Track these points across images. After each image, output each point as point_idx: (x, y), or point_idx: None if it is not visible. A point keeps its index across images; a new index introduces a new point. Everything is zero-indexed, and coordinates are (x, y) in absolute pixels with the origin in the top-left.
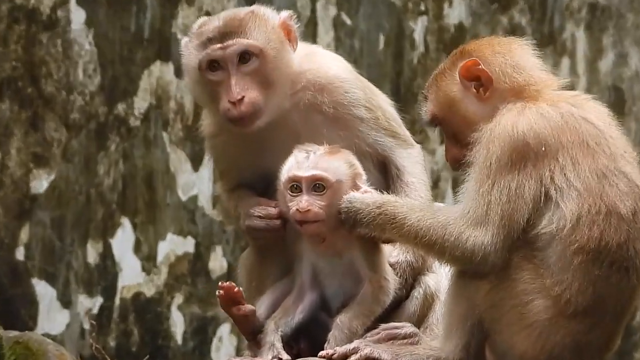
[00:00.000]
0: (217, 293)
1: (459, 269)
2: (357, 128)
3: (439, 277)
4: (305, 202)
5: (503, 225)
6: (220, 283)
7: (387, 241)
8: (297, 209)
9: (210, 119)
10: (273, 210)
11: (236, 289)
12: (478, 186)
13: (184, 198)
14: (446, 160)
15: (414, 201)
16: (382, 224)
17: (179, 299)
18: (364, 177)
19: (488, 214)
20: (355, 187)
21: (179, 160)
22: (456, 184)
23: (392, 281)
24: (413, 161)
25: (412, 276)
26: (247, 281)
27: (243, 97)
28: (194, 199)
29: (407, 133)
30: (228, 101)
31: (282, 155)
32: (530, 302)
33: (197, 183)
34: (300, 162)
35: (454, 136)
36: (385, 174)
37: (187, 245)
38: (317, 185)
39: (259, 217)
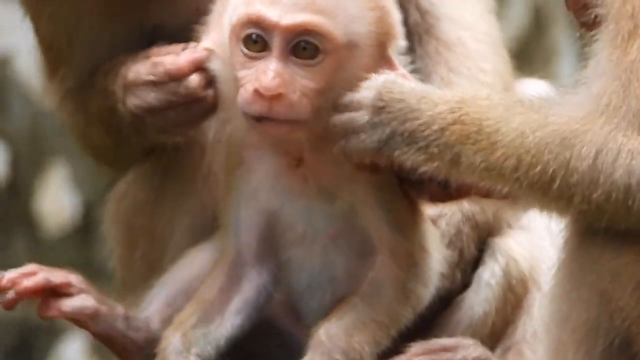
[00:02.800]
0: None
1: (592, 225)
2: None
3: (534, 239)
4: (274, 73)
5: None
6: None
7: (440, 189)
8: (257, 88)
9: None
10: (181, 61)
11: (42, 277)
12: (617, 56)
13: None
14: (566, 7)
15: (505, 96)
16: (453, 144)
17: None
18: (403, 41)
19: None
20: (385, 60)
21: None
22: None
23: (436, 254)
24: None
25: (476, 242)
26: (124, 247)
27: None
28: (3, 61)
29: None
30: None
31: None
32: None
33: (9, 27)
34: None
35: None
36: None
37: None
38: (304, 44)
39: (153, 81)
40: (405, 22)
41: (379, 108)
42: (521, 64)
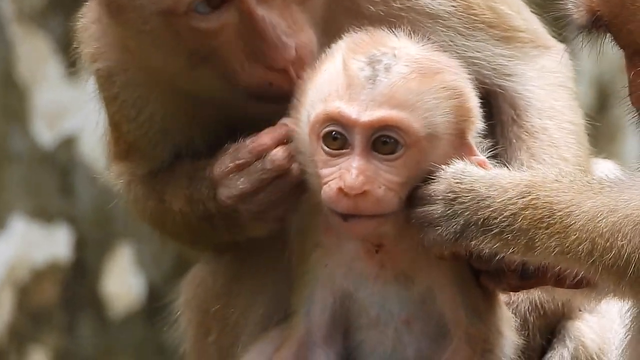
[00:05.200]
0: None
1: None
2: (433, 35)
3: (604, 321)
4: (357, 171)
5: None
6: None
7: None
8: (340, 187)
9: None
10: (263, 138)
11: None
12: None
13: (47, 140)
14: (631, 104)
15: (581, 176)
16: (526, 229)
17: (37, 357)
18: (480, 126)
19: None
20: (465, 149)
21: (37, 57)
22: None
23: (511, 338)
24: (548, 82)
25: (543, 330)
26: (197, 331)
27: None
28: (68, 142)
29: (535, 25)
30: None
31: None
32: None
33: (75, 107)
34: (357, 84)
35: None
36: (487, 114)
37: (56, 242)
38: (385, 138)
39: (239, 165)
40: (491, 110)
41: (451, 200)
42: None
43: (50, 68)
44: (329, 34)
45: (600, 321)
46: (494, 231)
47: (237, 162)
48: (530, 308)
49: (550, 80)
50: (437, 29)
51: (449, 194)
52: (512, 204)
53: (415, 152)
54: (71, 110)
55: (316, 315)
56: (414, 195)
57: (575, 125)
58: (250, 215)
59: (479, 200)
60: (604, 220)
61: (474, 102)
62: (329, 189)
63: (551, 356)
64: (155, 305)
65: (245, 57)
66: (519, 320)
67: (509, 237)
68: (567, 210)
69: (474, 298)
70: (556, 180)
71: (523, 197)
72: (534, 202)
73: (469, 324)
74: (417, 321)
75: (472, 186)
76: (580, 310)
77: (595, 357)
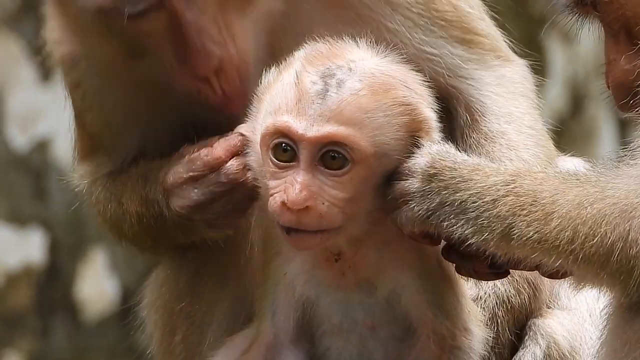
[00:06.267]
0: None
1: (637, 303)
2: (387, 25)
3: (575, 319)
4: (300, 186)
5: None
6: None
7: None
8: (283, 201)
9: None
10: (217, 150)
11: None
12: None
13: (21, 143)
14: (606, 86)
15: (560, 170)
16: (505, 216)
17: None
18: (436, 134)
19: None
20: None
21: (10, 60)
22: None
23: (479, 334)
24: (507, 91)
25: (512, 324)
26: (164, 331)
27: None
28: (41, 145)
29: (498, 38)
30: None
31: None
32: None
33: (49, 110)
34: (306, 98)
35: (626, 31)
36: (446, 120)
37: (30, 246)
38: (333, 153)
39: (193, 177)
40: (451, 118)
41: (431, 175)
42: (561, 144)
43: (23, 72)
44: (277, 44)
45: (572, 318)
46: (470, 215)
47: (191, 173)
48: (497, 302)
49: (510, 89)
50: (395, 18)
51: (430, 169)
52: (495, 190)
53: (363, 168)
54: (44, 113)
55: (281, 321)
56: (394, 171)
57: (535, 131)
58: (203, 223)
59: (459, 181)
60: (588, 207)
61: (429, 117)
62: (273, 202)
63: (523, 354)
64: (129, 308)
65: (175, 60)
66: (487, 315)
67: (484, 222)
68: (552, 199)
69: (440, 296)
70: (542, 171)
71: (506, 185)
72: (516, 189)
73: (435, 322)
74: (382, 326)
75: (454, 166)
76: (548, 307)
77: (567, 354)
